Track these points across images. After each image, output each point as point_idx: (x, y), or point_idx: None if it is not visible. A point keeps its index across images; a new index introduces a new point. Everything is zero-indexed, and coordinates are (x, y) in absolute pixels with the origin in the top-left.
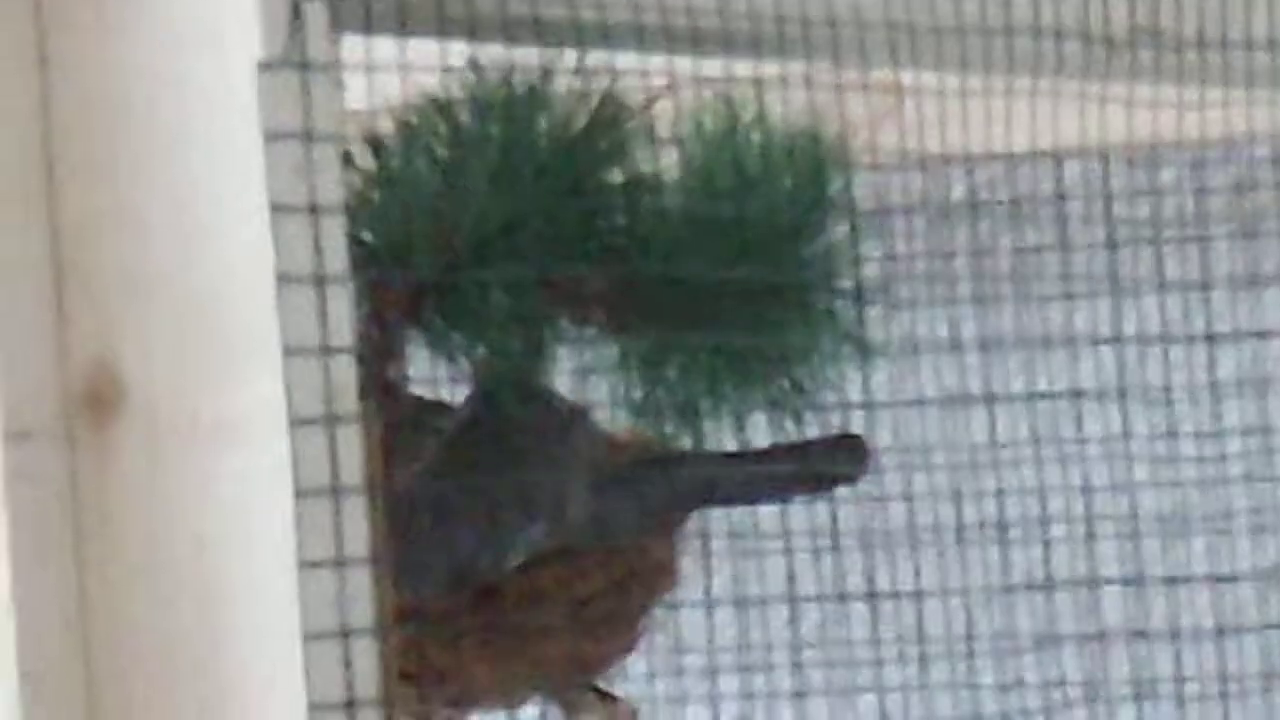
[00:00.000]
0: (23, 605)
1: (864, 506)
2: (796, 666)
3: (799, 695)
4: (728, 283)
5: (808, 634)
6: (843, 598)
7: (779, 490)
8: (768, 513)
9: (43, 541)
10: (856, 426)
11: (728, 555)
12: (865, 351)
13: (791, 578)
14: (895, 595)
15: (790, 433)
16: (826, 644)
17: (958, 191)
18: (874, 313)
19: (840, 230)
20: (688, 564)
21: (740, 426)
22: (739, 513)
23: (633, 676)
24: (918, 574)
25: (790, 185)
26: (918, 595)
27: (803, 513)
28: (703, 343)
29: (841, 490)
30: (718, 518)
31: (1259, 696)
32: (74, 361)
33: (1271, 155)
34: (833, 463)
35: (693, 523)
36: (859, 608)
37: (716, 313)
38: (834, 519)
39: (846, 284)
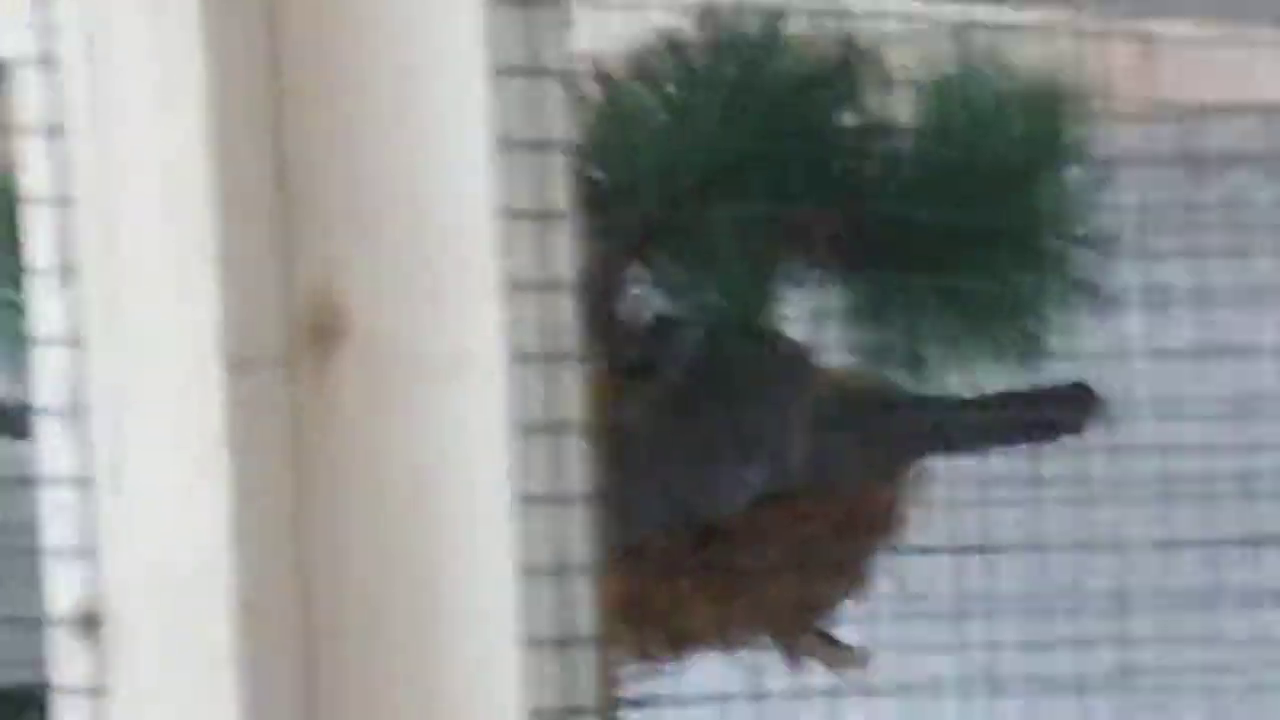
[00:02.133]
0: (243, 534)
1: (1116, 455)
2: (1042, 613)
3: (1035, 646)
4: (957, 227)
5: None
6: (1087, 546)
7: (1006, 438)
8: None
9: (263, 470)
10: (1105, 375)
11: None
12: (1095, 298)
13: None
14: (1141, 546)
15: (1019, 380)
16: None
17: (1212, 142)
18: (1107, 261)
19: (1074, 178)
20: (914, 510)
21: (969, 372)
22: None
23: (858, 620)
24: (1165, 524)
25: (1023, 131)
26: (1167, 545)
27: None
28: (931, 287)
29: (1094, 439)
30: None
31: None
32: (299, 292)
33: None
34: (1060, 411)
35: (919, 469)
36: (1106, 558)
37: (945, 257)
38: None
39: (1079, 231)
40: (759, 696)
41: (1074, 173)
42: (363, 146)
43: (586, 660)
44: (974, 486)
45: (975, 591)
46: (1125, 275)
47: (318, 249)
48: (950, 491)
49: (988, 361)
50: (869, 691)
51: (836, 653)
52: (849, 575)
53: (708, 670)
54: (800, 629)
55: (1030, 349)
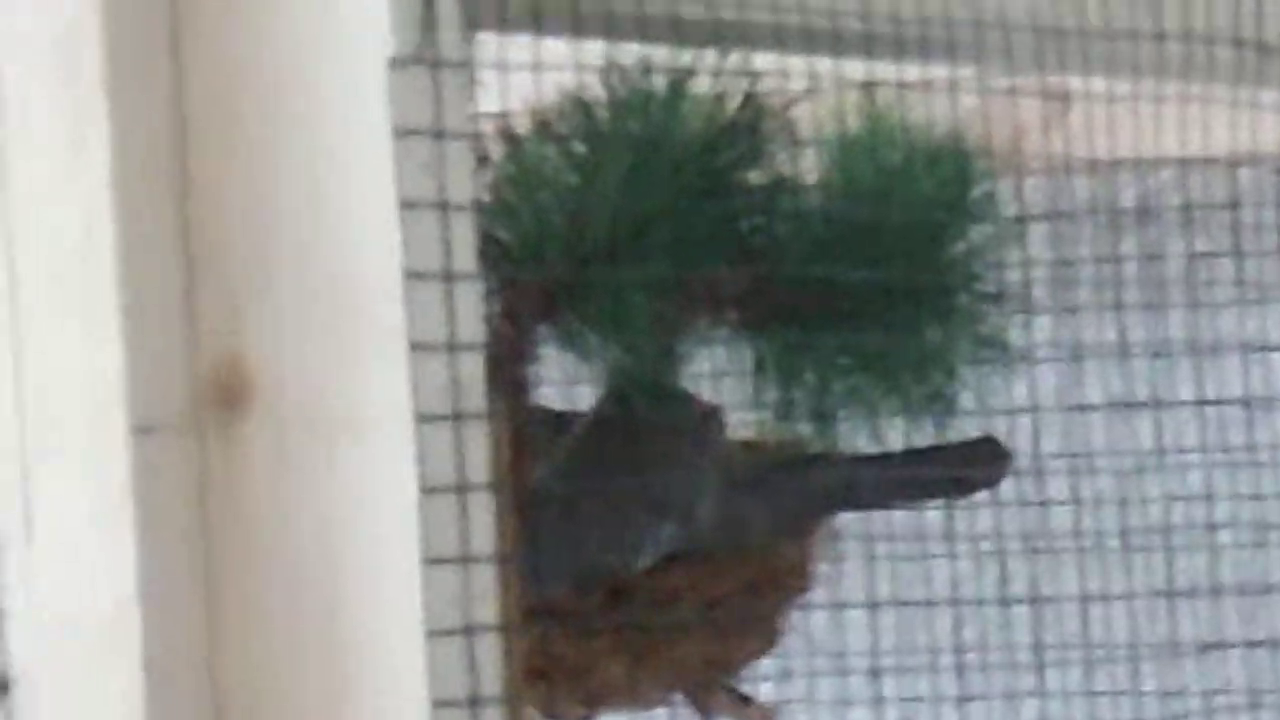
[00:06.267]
0: (149, 597)
1: (1028, 511)
2: (956, 670)
3: (947, 699)
4: (866, 284)
5: (970, 639)
6: (1005, 602)
7: (916, 494)
8: (928, 516)
9: (170, 534)
10: (1018, 431)
11: (865, 558)
12: (1005, 356)
13: (950, 582)
14: (1056, 601)
15: (930, 437)
16: (987, 649)
17: (1127, 197)
18: (1016, 317)
19: (983, 234)
20: (824, 566)
21: (878, 429)
22: (901, 515)
23: (769, 677)
24: (1082, 578)
25: (931, 188)
26: (1084, 600)
27: (964, 517)
28: (840, 344)
29: (1008, 494)
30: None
31: None
32: (203, 355)
33: None
34: (971, 466)
35: (828, 525)
36: (1021, 612)
37: (854, 314)
38: (998, 523)
39: (988, 288)
40: None
41: (983, 229)
42: (266, 208)
43: None
44: (888, 543)
45: (893, 647)
46: (1040, 330)
47: (222, 310)
48: (866, 548)
49: (898, 418)
50: None
51: (748, 710)
52: (760, 633)
53: None
54: (712, 687)
55: (940, 405)
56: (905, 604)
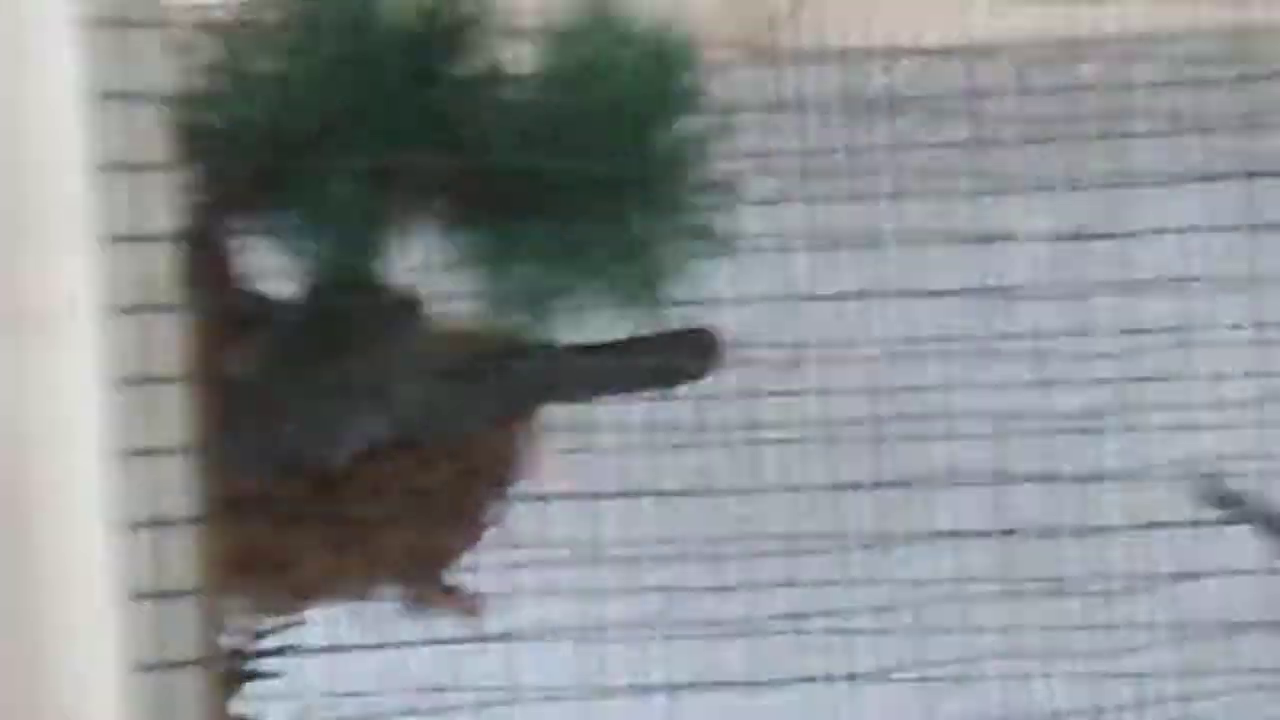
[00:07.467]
0: None
1: (788, 399)
2: (716, 558)
3: (637, 591)
4: (573, 175)
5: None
6: (758, 490)
7: (625, 384)
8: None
9: None
10: (755, 320)
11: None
12: (712, 245)
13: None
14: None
15: (641, 327)
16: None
17: (875, 87)
18: (726, 206)
19: (690, 125)
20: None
21: (589, 320)
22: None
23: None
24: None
25: (633, 78)
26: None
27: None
28: (548, 235)
29: (754, 383)
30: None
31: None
32: None
33: (1188, 53)
34: (680, 357)
35: (537, 417)
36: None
37: (562, 205)
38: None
39: (697, 178)
40: (438, 644)
41: (692, 120)
42: None
43: (186, 613)
44: (638, 432)
45: (649, 537)
46: (790, 219)
47: None
48: (618, 438)
49: (608, 308)
50: (543, 637)
51: (456, 599)
52: (468, 524)
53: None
54: (420, 579)
55: (650, 295)
56: (634, 495)
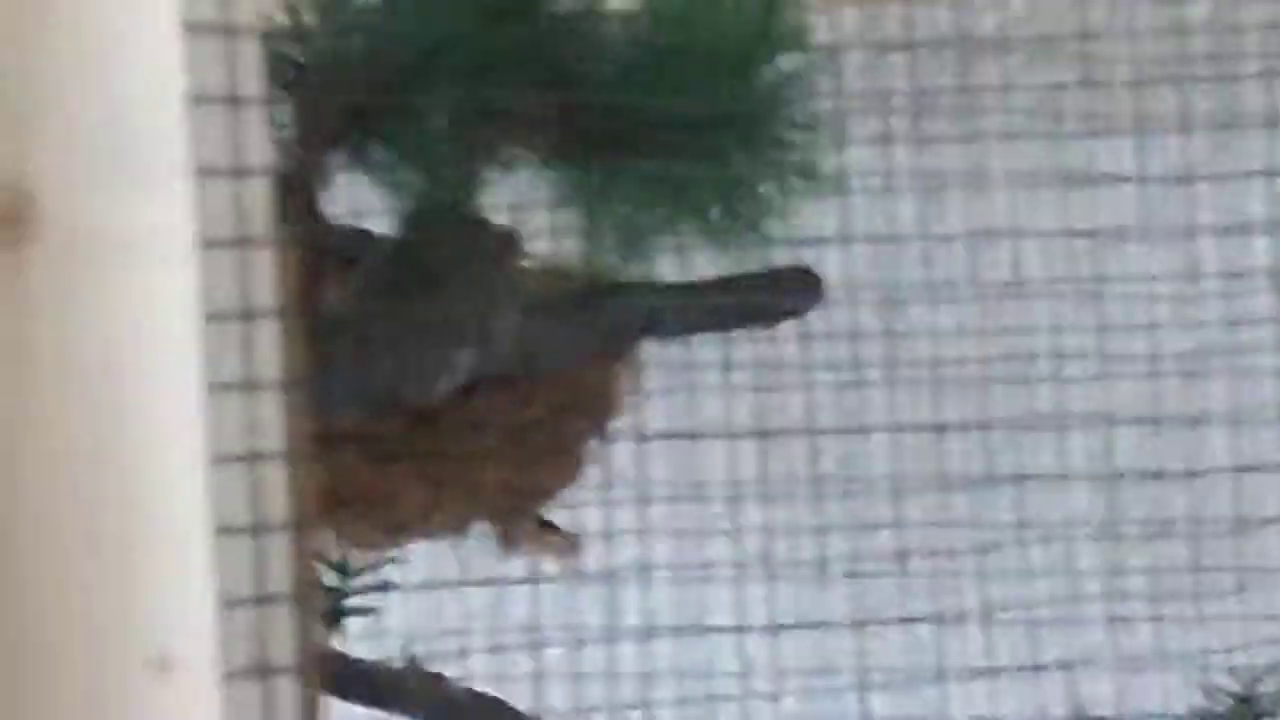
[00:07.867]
0: None
1: (889, 340)
2: (766, 498)
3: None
4: (673, 112)
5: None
6: (862, 430)
7: (725, 322)
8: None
9: None
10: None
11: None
12: (815, 183)
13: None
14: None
15: (740, 265)
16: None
17: (985, 26)
18: (831, 146)
19: (792, 63)
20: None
21: (687, 258)
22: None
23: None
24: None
25: (738, 15)
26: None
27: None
28: (647, 173)
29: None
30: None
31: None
32: None
33: None
34: (780, 295)
35: (634, 353)
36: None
37: (662, 142)
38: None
39: (800, 116)
40: (538, 582)
41: (792, 58)
42: (51, 32)
43: (280, 548)
44: (742, 372)
45: (750, 476)
46: (898, 159)
47: (6, 140)
48: (727, 377)
49: (706, 247)
50: (644, 577)
51: (552, 538)
52: (564, 460)
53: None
54: (515, 516)
55: (750, 233)
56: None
